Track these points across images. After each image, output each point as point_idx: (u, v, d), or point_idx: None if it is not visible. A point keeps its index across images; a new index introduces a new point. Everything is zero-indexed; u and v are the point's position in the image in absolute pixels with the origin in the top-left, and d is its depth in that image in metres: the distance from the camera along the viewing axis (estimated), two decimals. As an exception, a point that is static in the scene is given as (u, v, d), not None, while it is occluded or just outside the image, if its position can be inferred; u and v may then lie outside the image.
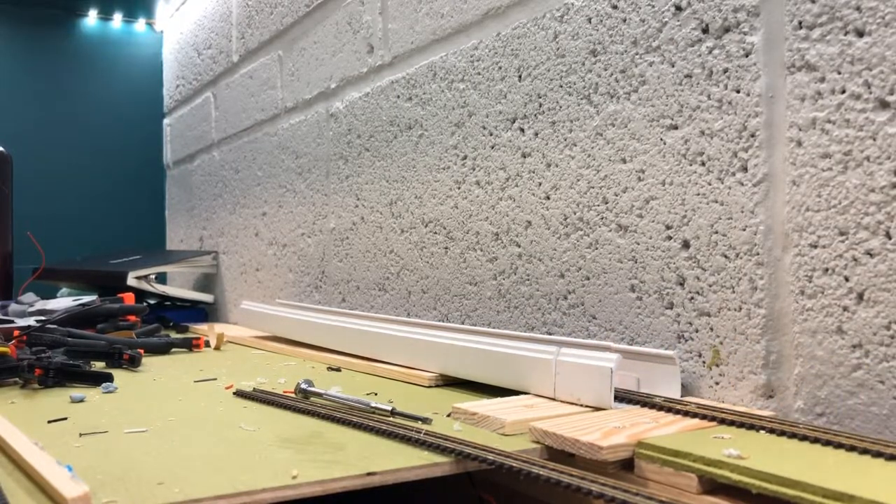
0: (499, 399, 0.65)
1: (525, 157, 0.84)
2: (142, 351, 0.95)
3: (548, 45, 0.81)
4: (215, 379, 0.84)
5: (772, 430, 0.52)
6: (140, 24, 2.12)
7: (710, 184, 0.65)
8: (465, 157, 0.93)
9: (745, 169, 0.62)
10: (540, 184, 0.82)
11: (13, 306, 1.31)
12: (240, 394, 0.73)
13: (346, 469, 0.47)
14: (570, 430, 0.52)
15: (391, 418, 0.61)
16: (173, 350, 1.07)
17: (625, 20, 0.72)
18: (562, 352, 0.65)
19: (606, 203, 0.74)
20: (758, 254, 0.61)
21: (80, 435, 0.58)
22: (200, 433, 0.58)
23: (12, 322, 1.14)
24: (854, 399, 0.55)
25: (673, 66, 0.68)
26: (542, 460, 0.49)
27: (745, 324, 0.62)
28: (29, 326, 1.04)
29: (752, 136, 0.61)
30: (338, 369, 0.89)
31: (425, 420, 0.59)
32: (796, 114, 0.58)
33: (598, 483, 0.43)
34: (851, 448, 0.47)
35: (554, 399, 0.64)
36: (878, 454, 0.45)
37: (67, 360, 0.82)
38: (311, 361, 0.97)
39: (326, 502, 0.47)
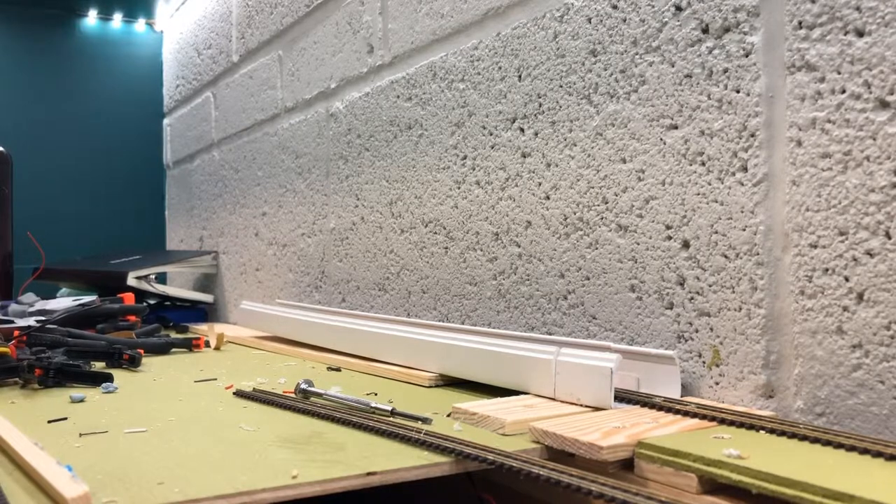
0: (499, 399, 0.65)
1: (525, 157, 0.84)
2: (142, 351, 0.95)
3: (548, 45, 0.81)
4: (215, 379, 0.84)
5: (772, 430, 0.52)
6: (140, 24, 2.12)
7: (710, 184, 0.65)
8: (465, 157, 0.93)
9: (745, 169, 0.62)
10: (540, 184, 0.82)
11: (13, 306, 1.31)
12: (240, 394, 0.73)
13: (346, 469, 0.47)
14: (570, 430, 0.52)
15: (391, 418, 0.60)
16: (173, 350, 1.07)
17: (625, 20, 0.72)
18: (562, 352, 0.65)
19: (606, 203, 0.74)
20: (758, 254, 0.61)
21: (80, 435, 0.58)
22: (200, 433, 0.58)
23: (12, 322, 1.14)
24: (854, 399, 0.55)
25: (673, 66, 0.68)
26: (542, 460, 0.49)
27: (745, 324, 0.62)
28: (29, 326, 1.04)
29: (752, 136, 0.61)
30: (338, 369, 0.89)
31: (425, 420, 0.59)
32: (796, 114, 0.59)
33: (598, 483, 0.43)
34: (851, 448, 0.47)
35: (554, 399, 0.64)
36: (878, 454, 0.45)
37: (67, 360, 0.82)
38: (311, 361, 0.97)
39: (326, 502, 0.47)
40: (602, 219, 0.75)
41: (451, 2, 0.95)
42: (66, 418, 0.64)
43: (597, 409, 0.61)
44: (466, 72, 0.93)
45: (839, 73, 0.56)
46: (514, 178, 0.86)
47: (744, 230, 0.62)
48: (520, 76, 0.85)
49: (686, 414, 0.57)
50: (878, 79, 0.53)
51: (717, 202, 0.64)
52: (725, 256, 0.64)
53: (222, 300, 1.64)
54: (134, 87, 2.10)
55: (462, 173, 0.94)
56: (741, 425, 0.53)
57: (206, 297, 1.62)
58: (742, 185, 0.62)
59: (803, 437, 0.49)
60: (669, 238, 0.68)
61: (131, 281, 1.44)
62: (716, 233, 0.64)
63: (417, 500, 0.62)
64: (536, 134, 0.83)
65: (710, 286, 0.65)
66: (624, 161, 0.73)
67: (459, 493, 0.59)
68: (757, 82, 0.61)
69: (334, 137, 1.22)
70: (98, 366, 0.89)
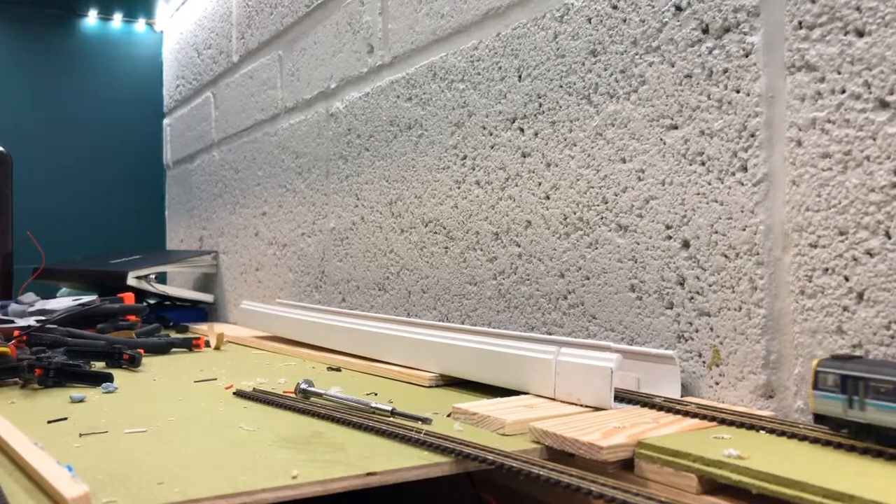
0: (499, 399, 0.65)
1: (525, 156, 0.84)
2: (142, 351, 0.95)
3: (548, 46, 0.81)
4: (215, 379, 0.84)
5: (772, 430, 0.52)
6: (140, 24, 2.12)
7: (710, 184, 0.65)
8: (464, 157, 0.93)
9: (744, 169, 0.62)
10: (540, 184, 0.82)
11: (13, 306, 1.31)
12: (240, 394, 0.73)
13: (346, 469, 0.47)
14: (570, 430, 0.52)
15: (391, 418, 0.61)
16: (173, 350, 1.07)
17: (625, 20, 0.72)
18: (562, 352, 0.65)
19: (606, 203, 0.74)
20: (758, 254, 0.61)
21: (80, 435, 0.58)
22: (200, 433, 0.58)
23: (12, 322, 1.14)
24: (854, 399, 0.55)
25: (673, 66, 0.68)
26: (542, 460, 0.49)
27: (745, 324, 0.62)
28: (29, 326, 1.04)
29: (752, 135, 0.61)
30: (338, 369, 0.89)
31: (425, 420, 0.59)
32: (796, 114, 0.59)
33: (598, 483, 0.43)
34: (851, 448, 0.47)
35: (554, 399, 0.64)
36: (878, 454, 0.45)
37: (67, 360, 0.82)
38: (311, 361, 0.97)
39: (326, 502, 0.47)
40: (602, 219, 0.75)
41: (451, 2, 0.95)
42: (66, 418, 0.64)
43: (597, 409, 0.61)
44: (466, 72, 0.93)
45: (839, 73, 0.56)
46: (514, 178, 0.86)
47: (744, 230, 0.62)
48: (520, 76, 0.85)
49: (686, 414, 0.57)
50: (878, 79, 0.53)
51: (717, 202, 0.64)
52: (725, 256, 0.64)
53: (222, 300, 1.64)
54: (134, 87, 2.10)
55: (462, 173, 0.94)
56: (741, 425, 0.53)
57: (206, 297, 1.62)
58: (742, 184, 0.62)
59: (803, 437, 0.49)
60: (669, 238, 0.68)
61: (131, 281, 1.44)
62: (716, 233, 0.64)
63: (417, 500, 0.62)
64: (536, 134, 0.83)
65: (710, 286, 0.65)
66: (624, 161, 0.73)
67: (459, 493, 0.59)
68: (757, 82, 0.61)
69: (334, 137, 1.22)
70: (98, 366, 0.89)
